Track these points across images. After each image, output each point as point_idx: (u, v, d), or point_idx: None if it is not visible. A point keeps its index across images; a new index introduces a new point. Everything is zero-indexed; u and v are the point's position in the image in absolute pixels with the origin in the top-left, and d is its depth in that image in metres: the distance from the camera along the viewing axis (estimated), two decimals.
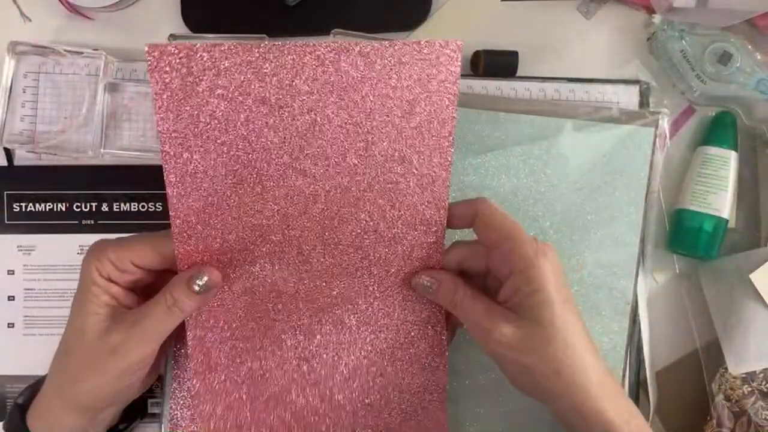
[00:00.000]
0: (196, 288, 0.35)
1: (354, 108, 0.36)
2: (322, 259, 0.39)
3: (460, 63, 0.36)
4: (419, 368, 0.41)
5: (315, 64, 0.35)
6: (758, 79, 0.48)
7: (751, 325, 0.45)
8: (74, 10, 0.48)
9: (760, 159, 0.50)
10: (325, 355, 0.40)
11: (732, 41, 0.48)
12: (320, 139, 0.36)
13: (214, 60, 0.34)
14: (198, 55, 0.34)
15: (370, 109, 0.36)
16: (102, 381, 0.35)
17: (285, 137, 0.36)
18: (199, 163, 0.36)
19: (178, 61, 0.34)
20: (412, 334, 0.40)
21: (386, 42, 0.36)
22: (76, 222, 0.47)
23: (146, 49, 0.34)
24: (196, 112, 0.35)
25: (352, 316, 0.40)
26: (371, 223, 0.38)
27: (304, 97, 0.36)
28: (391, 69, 0.36)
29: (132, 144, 0.48)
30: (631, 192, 0.47)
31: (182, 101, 0.35)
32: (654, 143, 0.47)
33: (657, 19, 0.50)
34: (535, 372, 0.34)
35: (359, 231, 0.38)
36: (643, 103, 0.49)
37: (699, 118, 0.51)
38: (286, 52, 0.35)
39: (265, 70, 0.35)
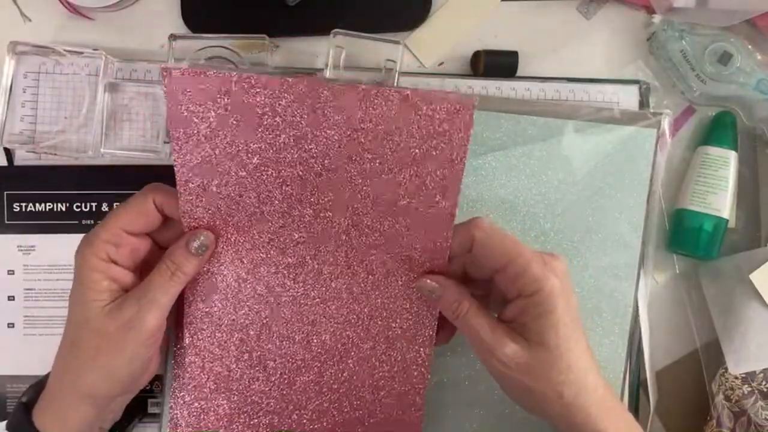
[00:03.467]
0: (193, 250, 0.37)
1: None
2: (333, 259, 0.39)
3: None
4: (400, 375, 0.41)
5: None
6: (758, 79, 0.48)
7: (751, 325, 0.45)
8: (74, 10, 0.48)
9: (760, 159, 0.50)
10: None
11: (732, 41, 0.48)
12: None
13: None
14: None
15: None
16: (118, 362, 0.36)
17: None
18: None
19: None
20: (398, 344, 0.41)
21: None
22: (76, 222, 0.47)
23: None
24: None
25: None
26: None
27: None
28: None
29: (132, 144, 0.48)
30: (633, 193, 0.47)
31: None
32: (656, 144, 0.47)
33: (657, 19, 0.50)
34: (536, 393, 0.34)
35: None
36: (643, 103, 0.49)
37: (699, 118, 0.51)
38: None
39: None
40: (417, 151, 0.36)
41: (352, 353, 0.41)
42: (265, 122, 0.36)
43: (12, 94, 0.47)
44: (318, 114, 0.36)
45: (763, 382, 0.46)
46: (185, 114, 0.35)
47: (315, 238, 0.39)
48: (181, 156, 0.36)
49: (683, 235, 0.48)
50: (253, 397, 0.41)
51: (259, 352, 0.41)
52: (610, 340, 0.46)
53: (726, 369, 0.46)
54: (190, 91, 0.35)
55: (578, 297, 0.45)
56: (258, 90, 0.35)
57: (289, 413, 0.42)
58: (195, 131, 0.36)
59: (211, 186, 0.37)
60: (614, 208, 0.47)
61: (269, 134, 0.36)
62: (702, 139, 0.50)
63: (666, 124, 0.47)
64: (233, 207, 0.38)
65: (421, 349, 0.41)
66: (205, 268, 0.39)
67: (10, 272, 0.47)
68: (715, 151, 0.48)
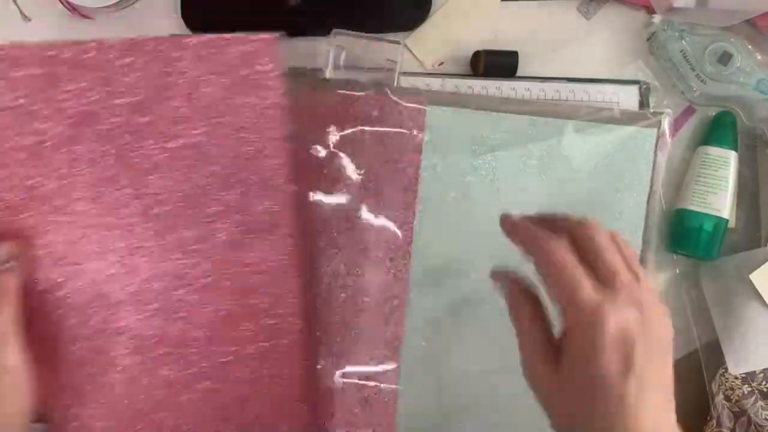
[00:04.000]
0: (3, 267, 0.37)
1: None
2: None
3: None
4: None
5: None
6: (758, 79, 0.48)
7: (751, 325, 0.45)
8: (74, 10, 0.48)
9: (760, 159, 0.50)
10: None
11: (732, 41, 0.48)
12: None
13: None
14: None
15: None
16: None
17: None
18: None
19: None
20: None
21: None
22: None
23: None
24: None
25: None
26: None
27: None
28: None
29: None
30: (633, 193, 0.47)
31: None
32: (656, 144, 0.47)
33: (657, 19, 0.50)
34: (567, 420, 0.31)
35: None
36: (643, 103, 0.49)
37: (699, 118, 0.51)
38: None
39: None
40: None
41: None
42: None
43: None
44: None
45: (763, 382, 0.46)
46: None
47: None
48: None
49: (683, 235, 0.48)
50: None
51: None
52: None
53: (726, 369, 0.46)
54: None
55: None
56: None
57: None
58: None
59: None
60: (614, 208, 0.47)
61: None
62: (702, 139, 0.50)
63: (666, 124, 0.47)
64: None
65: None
66: None
67: None
68: (715, 151, 0.48)
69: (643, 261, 0.47)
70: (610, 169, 0.46)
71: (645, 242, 0.47)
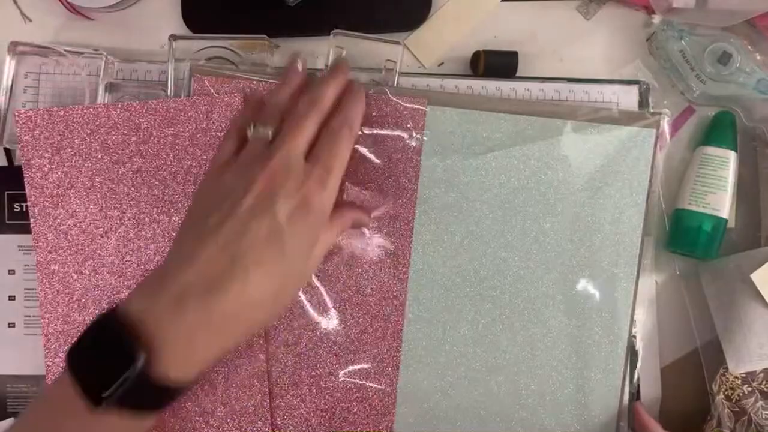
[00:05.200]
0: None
1: None
2: None
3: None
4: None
5: None
6: (758, 79, 0.48)
7: (752, 325, 0.45)
8: (74, 10, 0.48)
9: (760, 159, 0.50)
10: None
11: (732, 41, 0.48)
12: None
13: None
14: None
15: None
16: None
17: None
18: None
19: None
20: None
21: None
22: None
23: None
24: None
25: None
26: None
27: None
28: None
29: None
30: (632, 193, 0.47)
31: None
32: (655, 144, 0.47)
33: (657, 19, 0.50)
34: None
35: None
36: (643, 103, 0.49)
37: (699, 118, 0.51)
38: None
39: None
40: None
41: None
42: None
43: (12, 94, 0.47)
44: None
45: (764, 382, 0.46)
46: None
47: None
48: None
49: (683, 235, 0.48)
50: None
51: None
52: (609, 339, 0.46)
53: (726, 369, 0.46)
54: None
55: (578, 297, 0.46)
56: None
57: None
58: None
59: None
60: (613, 208, 0.47)
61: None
62: (701, 139, 0.50)
63: (665, 124, 0.47)
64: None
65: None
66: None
67: (11, 272, 0.47)
68: (714, 151, 0.48)
69: (641, 261, 0.47)
70: (608, 169, 0.47)
71: (644, 242, 0.47)
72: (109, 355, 0.31)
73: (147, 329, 0.32)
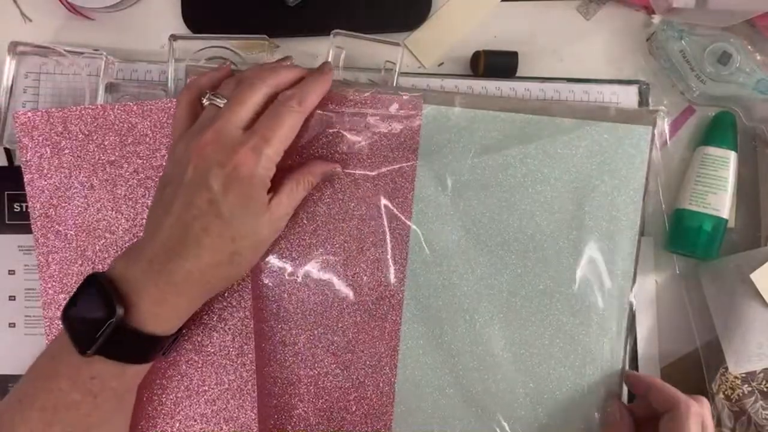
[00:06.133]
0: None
1: None
2: None
3: None
4: None
5: None
6: (758, 79, 0.48)
7: (751, 325, 0.45)
8: (74, 10, 0.48)
9: (760, 159, 0.50)
10: None
11: (732, 41, 0.48)
12: None
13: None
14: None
15: None
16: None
17: None
18: None
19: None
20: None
21: None
22: None
23: None
24: None
25: None
26: None
27: None
28: None
29: None
30: (629, 191, 0.47)
31: None
32: (651, 142, 0.47)
33: (657, 19, 0.50)
34: None
35: None
36: (643, 103, 0.49)
37: (699, 118, 0.51)
38: None
39: None
40: None
41: None
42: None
43: (12, 94, 0.47)
44: None
45: (764, 382, 0.46)
46: None
47: None
48: None
49: (683, 235, 0.48)
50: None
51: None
52: (608, 338, 0.46)
53: (726, 369, 0.46)
54: None
55: (575, 295, 0.46)
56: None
57: None
58: None
59: None
60: (610, 206, 0.46)
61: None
62: (701, 139, 0.50)
63: (663, 121, 0.47)
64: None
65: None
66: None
67: (11, 272, 0.47)
68: (714, 151, 0.48)
69: (638, 258, 0.47)
70: (605, 167, 0.46)
71: (641, 240, 0.47)
72: (93, 309, 0.36)
73: (125, 288, 0.36)
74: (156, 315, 0.37)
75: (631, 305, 0.47)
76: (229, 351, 0.43)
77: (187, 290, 0.38)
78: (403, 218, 0.46)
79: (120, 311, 0.35)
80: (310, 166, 0.43)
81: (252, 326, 0.43)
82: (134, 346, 0.37)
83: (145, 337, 0.37)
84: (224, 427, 0.43)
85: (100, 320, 0.35)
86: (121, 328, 0.35)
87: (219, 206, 0.37)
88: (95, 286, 0.36)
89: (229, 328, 0.43)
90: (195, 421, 0.43)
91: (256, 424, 0.43)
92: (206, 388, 0.43)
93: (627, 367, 0.47)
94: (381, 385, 0.45)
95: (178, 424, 0.43)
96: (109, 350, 0.36)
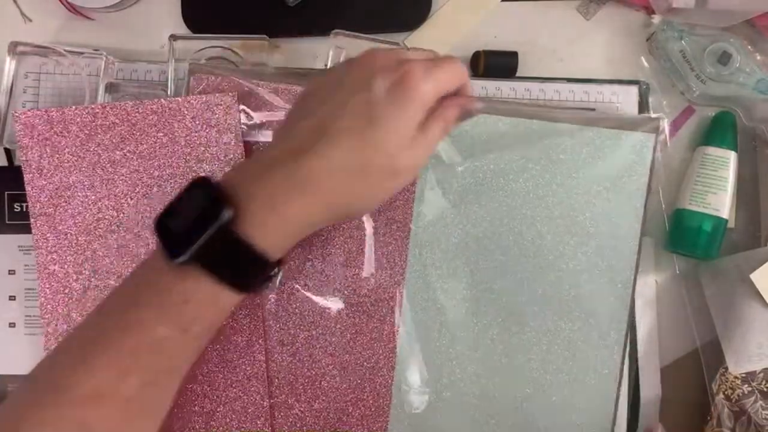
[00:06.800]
0: None
1: None
2: None
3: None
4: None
5: None
6: (758, 79, 0.48)
7: (751, 325, 0.46)
8: (74, 10, 0.48)
9: (760, 159, 0.50)
10: None
11: (732, 41, 0.48)
12: None
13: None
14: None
15: None
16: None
17: None
18: None
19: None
20: None
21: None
22: None
23: None
24: None
25: None
26: None
27: None
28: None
29: None
30: (631, 198, 0.46)
31: None
32: (654, 149, 0.46)
33: (657, 19, 0.50)
34: None
35: None
36: (643, 103, 0.49)
37: (699, 119, 0.51)
38: None
39: None
40: None
41: None
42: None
43: (12, 94, 0.47)
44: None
45: (763, 382, 0.46)
46: None
47: None
48: None
49: (683, 235, 0.48)
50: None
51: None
52: (605, 344, 0.46)
53: (726, 369, 0.46)
54: None
55: (575, 300, 0.46)
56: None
57: None
58: None
59: None
60: (611, 212, 0.46)
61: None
62: (701, 140, 0.50)
63: (663, 127, 0.47)
64: None
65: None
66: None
67: (11, 272, 0.47)
68: (714, 151, 0.48)
69: (638, 266, 0.46)
70: (607, 173, 0.46)
71: (642, 246, 0.46)
72: (196, 210, 0.32)
73: (234, 191, 0.32)
74: (264, 224, 0.32)
75: (630, 313, 0.46)
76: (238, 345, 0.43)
77: (302, 195, 0.33)
78: (403, 220, 0.46)
79: (227, 213, 0.31)
80: (446, 104, 0.37)
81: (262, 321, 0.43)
82: (236, 259, 0.32)
83: (249, 250, 0.32)
84: (234, 419, 0.43)
85: (202, 222, 0.31)
86: (226, 233, 0.31)
87: (374, 108, 0.33)
88: (201, 187, 0.33)
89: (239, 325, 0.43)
90: (201, 417, 0.43)
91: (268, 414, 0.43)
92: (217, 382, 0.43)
93: (626, 374, 0.46)
94: (378, 386, 0.45)
95: (180, 422, 0.43)
96: (207, 257, 0.31)
